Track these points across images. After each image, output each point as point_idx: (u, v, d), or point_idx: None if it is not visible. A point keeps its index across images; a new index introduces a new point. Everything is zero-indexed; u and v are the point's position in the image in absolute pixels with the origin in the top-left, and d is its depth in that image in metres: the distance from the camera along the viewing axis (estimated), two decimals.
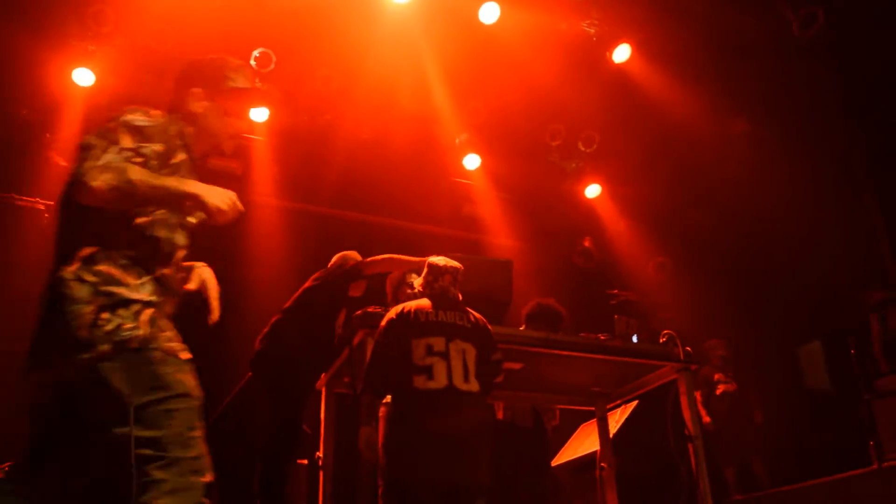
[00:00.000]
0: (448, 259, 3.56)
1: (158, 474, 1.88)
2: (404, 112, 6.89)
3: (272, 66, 6.26)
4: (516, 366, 4.11)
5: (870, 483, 5.17)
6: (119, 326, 1.96)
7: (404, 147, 7.22)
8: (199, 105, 2.35)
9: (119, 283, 2.01)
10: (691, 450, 3.92)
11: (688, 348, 4.13)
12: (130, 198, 2.01)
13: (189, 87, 2.37)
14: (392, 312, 3.35)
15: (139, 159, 2.09)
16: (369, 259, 4.61)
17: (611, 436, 5.02)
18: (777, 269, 7.22)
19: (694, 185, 7.67)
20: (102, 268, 2.00)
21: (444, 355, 3.19)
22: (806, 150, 6.69)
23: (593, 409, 4.99)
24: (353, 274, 4.60)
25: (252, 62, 6.16)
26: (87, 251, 2.01)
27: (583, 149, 7.68)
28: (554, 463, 5.66)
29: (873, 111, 6.52)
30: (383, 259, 4.52)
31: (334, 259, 4.88)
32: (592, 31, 6.47)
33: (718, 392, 6.98)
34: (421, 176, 7.53)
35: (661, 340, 4.16)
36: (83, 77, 6.09)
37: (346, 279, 4.61)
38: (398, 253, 4.53)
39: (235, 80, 2.42)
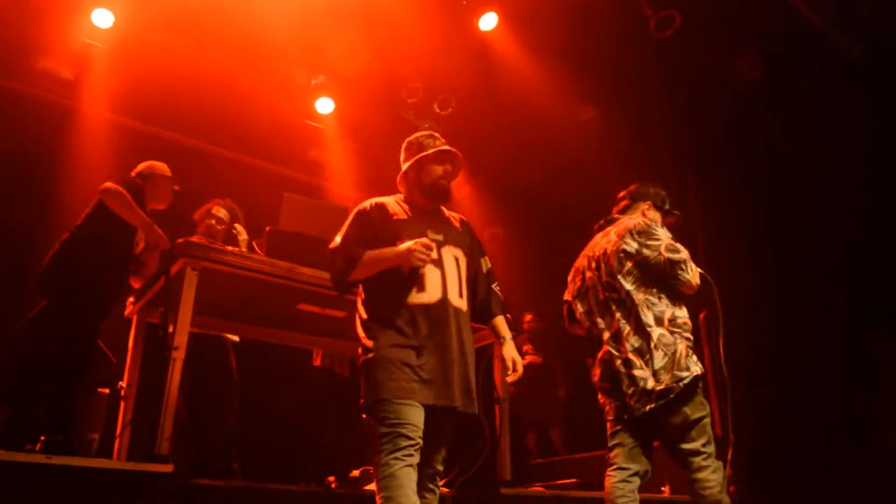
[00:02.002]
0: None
1: None
2: (262, 43, 6.61)
3: None
4: (339, 314, 4.11)
5: (656, 453, 5.73)
6: None
7: (256, 80, 6.95)
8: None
9: None
10: (497, 411, 4.07)
11: (508, 315, 4.26)
12: None
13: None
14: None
15: None
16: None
17: None
18: None
19: (538, 162, 7.89)
20: None
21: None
22: (645, 144, 7.06)
23: None
24: (134, 189, 4.14)
25: None
26: None
27: (438, 110, 7.70)
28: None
29: (703, 119, 6.97)
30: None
31: (138, 168, 4.47)
32: None
33: (525, 362, 7.32)
34: (269, 112, 7.27)
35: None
36: (102, 18, 6.20)
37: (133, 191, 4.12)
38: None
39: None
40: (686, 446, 3.14)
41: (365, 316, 2.89)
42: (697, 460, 3.12)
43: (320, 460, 5.18)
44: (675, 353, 3.17)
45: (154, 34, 6.48)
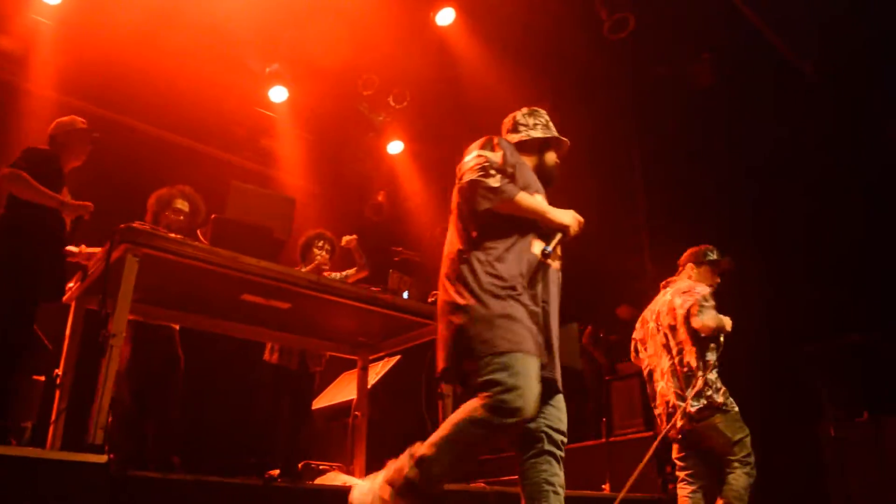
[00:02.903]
0: None
1: None
2: (216, 28, 6.50)
3: None
4: (285, 305, 4.07)
5: (599, 452, 6.12)
6: None
7: (210, 66, 6.83)
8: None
9: None
10: (440, 407, 4.08)
11: None
12: None
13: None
14: None
15: None
16: None
17: (369, 386, 5.11)
18: None
19: None
20: None
21: None
22: (595, 145, 7.13)
23: (357, 358, 5.05)
24: (41, 159, 3.97)
25: None
26: None
27: (392, 104, 7.68)
28: (313, 407, 5.69)
29: (652, 116, 7.08)
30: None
31: (50, 130, 4.25)
32: None
33: None
34: (222, 99, 7.16)
35: (429, 300, 4.27)
36: None
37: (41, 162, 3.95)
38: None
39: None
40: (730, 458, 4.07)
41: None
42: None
43: (265, 454, 5.14)
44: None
45: (104, 14, 6.32)
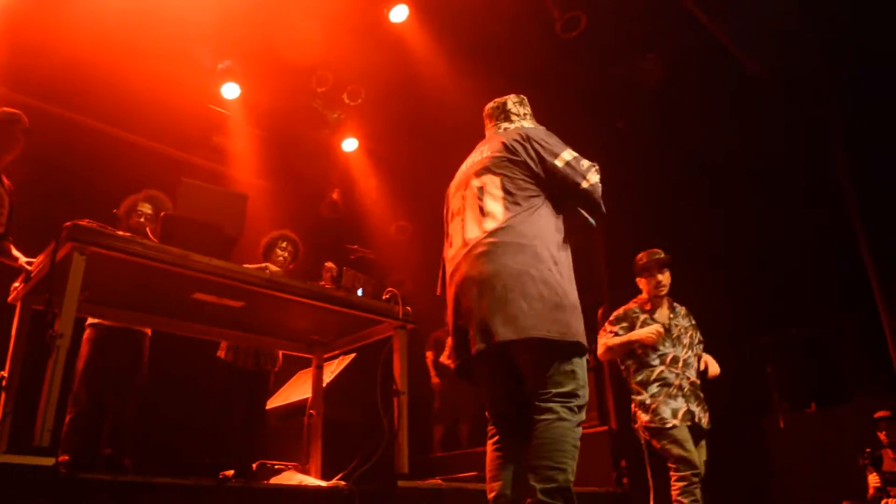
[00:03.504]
0: None
1: None
2: (167, 22, 6.38)
3: None
4: (237, 303, 4.03)
5: None
6: None
7: (160, 61, 6.71)
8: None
9: None
10: (396, 404, 4.08)
11: (408, 308, 4.29)
12: None
13: None
14: None
15: None
16: None
17: (324, 385, 5.09)
18: None
19: (447, 155, 7.91)
20: None
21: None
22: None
23: (312, 356, 5.02)
24: None
25: None
26: None
27: (347, 101, 7.64)
28: (267, 406, 5.65)
29: (606, 119, 7.16)
30: None
31: None
32: None
33: (446, 355, 7.38)
34: (172, 95, 7.03)
35: (384, 297, 4.27)
36: None
37: None
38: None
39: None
40: None
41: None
42: None
43: (219, 453, 5.08)
44: None
45: (49, 7, 6.16)
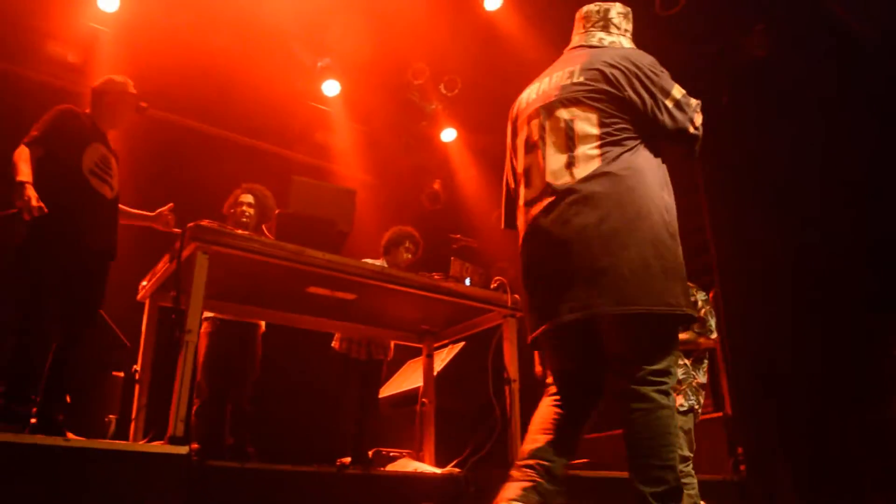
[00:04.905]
0: None
1: None
2: (267, 25, 6.58)
3: None
4: (350, 296, 4.13)
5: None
6: None
7: (262, 63, 6.93)
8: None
9: None
10: (507, 391, 4.09)
11: (516, 296, 4.28)
12: None
13: None
14: None
15: None
16: None
17: (435, 374, 5.16)
18: None
19: None
20: None
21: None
22: None
23: (422, 346, 5.10)
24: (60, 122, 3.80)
25: None
26: None
27: (444, 91, 7.67)
28: (380, 395, 5.77)
29: (705, 91, 6.92)
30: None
31: (95, 85, 4.12)
32: None
33: None
34: (276, 95, 7.25)
35: (492, 286, 4.28)
36: (108, 2, 6.19)
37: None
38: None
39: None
40: None
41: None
42: None
43: (335, 442, 5.23)
44: None
45: (158, 18, 6.46)
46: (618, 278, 2.21)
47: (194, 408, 4.79)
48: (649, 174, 2.37)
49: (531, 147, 2.54)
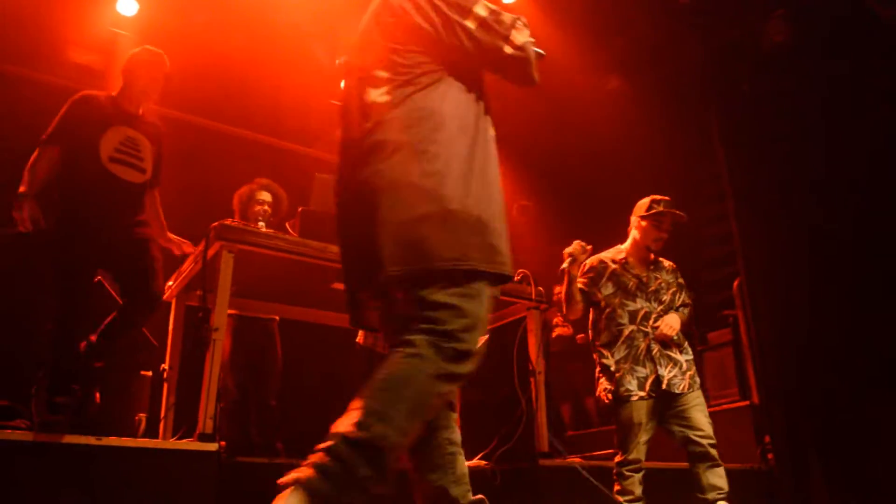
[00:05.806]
0: None
1: None
2: (284, 24, 6.61)
3: None
4: None
5: None
6: None
7: (281, 61, 6.96)
8: None
9: None
10: (532, 383, 4.10)
11: (540, 288, 4.29)
12: None
13: None
14: None
15: None
16: None
17: None
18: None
19: (566, 133, 7.84)
20: None
21: None
22: (669, 111, 6.99)
23: None
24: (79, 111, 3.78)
25: None
26: None
27: None
28: None
29: (726, 80, 6.87)
30: None
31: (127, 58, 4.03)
32: None
33: (553, 335, 7.35)
34: (295, 93, 7.27)
35: (516, 278, 4.28)
36: (127, 6, 6.31)
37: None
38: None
39: None
40: None
41: None
42: None
43: None
44: None
45: (177, 20, 6.50)
46: (395, 238, 1.96)
47: (222, 405, 4.83)
48: (444, 113, 2.06)
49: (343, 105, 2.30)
